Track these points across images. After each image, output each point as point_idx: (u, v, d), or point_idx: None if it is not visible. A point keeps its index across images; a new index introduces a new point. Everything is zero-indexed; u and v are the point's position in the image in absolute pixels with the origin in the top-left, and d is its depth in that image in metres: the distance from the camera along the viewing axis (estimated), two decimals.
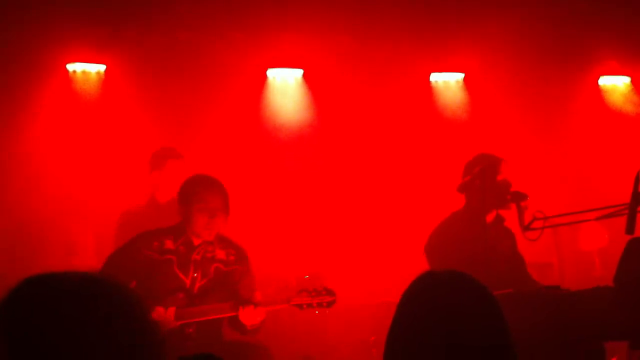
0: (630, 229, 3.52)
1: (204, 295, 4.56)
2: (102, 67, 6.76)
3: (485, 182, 4.72)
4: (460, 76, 7.58)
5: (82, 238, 6.47)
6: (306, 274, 5.58)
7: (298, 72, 7.24)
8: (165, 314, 4.43)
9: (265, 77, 7.18)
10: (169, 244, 4.62)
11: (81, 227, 6.51)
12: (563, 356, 3.45)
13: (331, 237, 6.79)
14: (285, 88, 7.21)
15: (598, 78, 7.84)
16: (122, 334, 1.56)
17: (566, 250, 6.64)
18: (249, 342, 4.70)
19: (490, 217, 4.89)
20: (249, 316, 4.46)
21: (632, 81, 7.90)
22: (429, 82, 7.55)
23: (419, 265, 4.76)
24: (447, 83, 7.59)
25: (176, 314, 4.45)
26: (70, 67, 6.71)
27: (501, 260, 4.87)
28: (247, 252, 4.80)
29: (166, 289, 4.49)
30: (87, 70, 6.75)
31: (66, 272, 1.62)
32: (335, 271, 6.34)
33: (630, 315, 3.45)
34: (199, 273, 4.60)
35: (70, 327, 1.52)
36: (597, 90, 7.87)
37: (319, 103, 7.21)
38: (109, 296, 1.61)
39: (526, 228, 4.24)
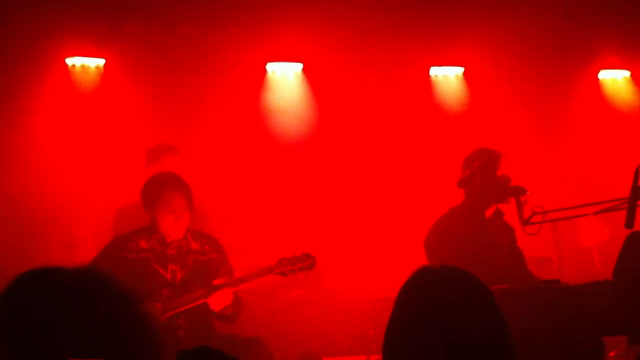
0: (629, 223, 3.52)
1: (187, 286, 4.62)
2: (101, 62, 6.75)
3: (484, 177, 4.72)
4: (460, 70, 7.57)
5: (81, 232, 6.48)
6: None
7: (297, 66, 7.23)
8: (152, 309, 4.46)
9: (264, 71, 7.17)
10: (142, 244, 4.69)
11: (81, 221, 6.51)
12: (562, 351, 3.45)
13: (330, 232, 6.78)
14: (285, 82, 7.20)
15: (598, 72, 7.83)
16: (121, 328, 1.56)
17: (565, 244, 6.64)
18: (248, 337, 4.72)
19: (489, 212, 4.89)
20: (218, 300, 4.50)
21: (631, 75, 7.89)
22: (428, 76, 7.54)
23: (418, 260, 4.76)
24: (447, 77, 7.58)
25: (162, 307, 4.50)
26: (70, 61, 6.70)
27: (500, 255, 4.87)
28: (219, 241, 4.86)
29: (149, 285, 4.53)
30: (86, 65, 6.74)
31: (65, 267, 1.62)
32: (334, 266, 6.34)
33: (629, 310, 3.45)
34: (178, 266, 4.66)
35: (69, 322, 1.53)
36: (597, 84, 7.86)
37: (319, 97, 7.20)
38: (107, 291, 1.62)
39: (525, 222, 4.24)
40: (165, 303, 4.54)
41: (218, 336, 4.68)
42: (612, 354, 4.91)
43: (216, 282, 4.55)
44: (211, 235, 4.90)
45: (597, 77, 7.85)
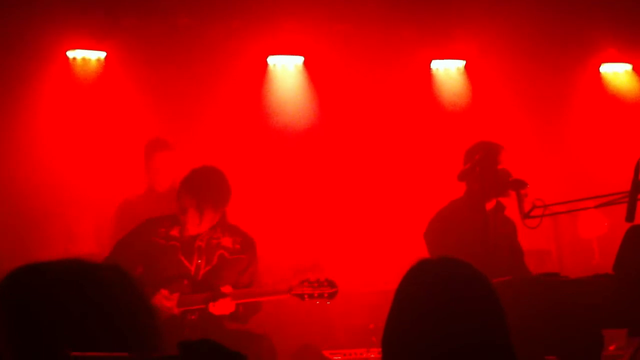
0: (630, 216, 3.52)
1: (208, 282, 4.58)
2: (102, 54, 6.75)
3: (485, 169, 4.72)
4: (461, 63, 7.56)
5: (81, 226, 6.48)
6: (305, 262, 5.56)
7: (299, 60, 7.22)
8: (170, 297, 4.45)
9: (265, 64, 7.17)
10: (174, 231, 4.65)
11: (81, 215, 6.51)
12: (561, 344, 3.46)
13: (331, 225, 6.79)
14: (286, 75, 7.20)
15: (599, 65, 7.82)
16: (119, 318, 1.56)
17: (566, 238, 6.64)
18: (249, 331, 4.72)
19: (490, 205, 4.89)
20: (219, 307, 4.49)
21: (633, 68, 7.88)
22: (429, 69, 7.53)
23: (419, 252, 4.77)
24: (448, 70, 7.57)
25: (179, 300, 4.48)
26: (70, 54, 6.70)
27: (500, 248, 4.87)
28: (255, 241, 4.81)
29: (171, 274, 4.52)
30: (87, 57, 6.74)
31: (61, 259, 1.62)
32: (334, 259, 6.34)
33: (630, 303, 3.45)
34: (203, 260, 4.62)
35: (66, 312, 1.53)
36: (598, 78, 7.85)
37: (320, 90, 7.19)
38: (106, 281, 1.62)
39: (526, 216, 4.24)
40: (183, 296, 4.52)
41: (225, 331, 4.67)
42: (612, 347, 4.92)
43: (223, 289, 4.52)
44: (247, 234, 4.81)
45: (598, 70, 7.84)
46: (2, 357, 1.51)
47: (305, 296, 4.52)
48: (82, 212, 6.51)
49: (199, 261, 4.62)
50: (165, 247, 4.60)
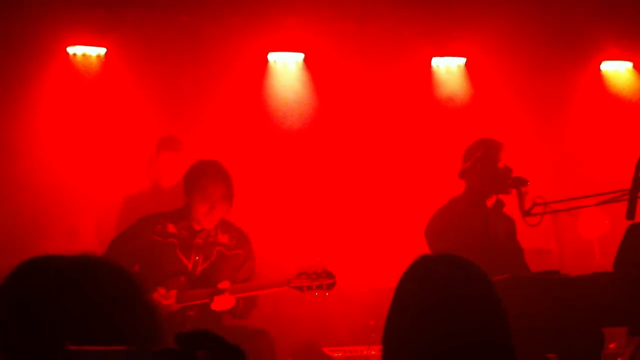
0: (630, 214, 3.52)
1: (206, 279, 4.58)
2: (102, 50, 6.74)
3: (485, 167, 4.71)
4: (461, 61, 7.56)
5: (83, 222, 6.48)
6: (306, 260, 5.56)
7: (299, 56, 7.21)
8: (167, 296, 4.45)
9: (266, 61, 7.16)
10: (171, 228, 4.64)
11: (82, 211, 6.51)
12: (562, 342, 3.46)
13: (332, 223, 6.79)
14: (287, 72, 7.19)
15: (600, 63, 7.81)
16: (120, 315, 1.56)
17: (566, 236, 6.64)
18: (249, 327, 4.72)
19: (490, 202, 4.88)
20: (219, 303, 4.50)
21: (634, 66, 7.88)
22: (430, 66, 7.53)
23: (419, 249, 4.76)
24: (449, 68, 7.57)
25: (177, 296, 4.48)
26: (71, 50, 6.69)
27: (499, 246, 4.86)
28: (249, 237, 4.81)
29: (169, 271, 4.52)
30: (87, 54, 6.73)
31: (64, 255, 1.62)
32: (335, 257, 6.34)
33: (630, 301, 3.45)
34: (201, 256, 4.62)
35: (68, 308, 1.52)
36: (599, 76, 7.84)
37: (320, 87, 7.19)
38: (107, 277, 1.61)
39: (526, 213, 4.24)
40: (181, 293, 4.52)
41: (224, 327, 4.68)
42: (612, 345, 4.93)
43: (221, 285, 4.51)
44: (242, 230, 4.82)
45: (599, 68, 7.84)
46: (2, 357, 1.51)
47: (304, 288, 4.53)
48: (83, 210, 6.51)
49: (197, 258, 4.62)
50: (163, 244, 4.59)
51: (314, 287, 4.53)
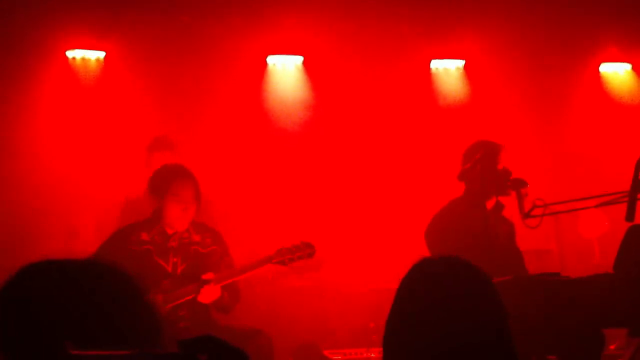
0: (630, 216, 3.52)
1: (188, 277, 4.62)
2: (101, 54, 6.75)
3: (485, 168, 4.72)
4: (460, 63, 7.57)
5: (83, 223, 6.49)
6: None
7: (298, 59, 7.22)
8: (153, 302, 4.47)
9: (265, 63, 7.17)
10: (144, 236, 4.69)
11: (82, 213, 6.51)
12: (562, 343, 3.46)
13: (331, 223, 6.79)
14: (286, 75, 7.20)
15: (599, 65, 7.82)
16: (120, 316, 1.56)
17: (566, 237, 6.64)
18: (248, 327, 4.73)
19: (490, 204, 4.89)
20: (206, 295, 4.53)
21: (633, 68, 7.89)
22: (429, 68, 7.54)
23: (419, 251, 4.76)
24: (448, 70, 7.58)
25: (163, 299, 4.51)
26: (70, 53, 6.70)
27: (499, 248, 4.86)
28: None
29: (150, 278, 4.54)
30: (86, 57, 6.75)
31: (66, 258, 1.62)
32: (335, 257, 6.35)
33: (630, 303, 3.45)
34: (179, 258, 4.67)
35: (69, 309, 1.53)
36: (598, 78, 7.85)
37: (319, 90, 7.19)
38: (107, 278, 1.62)
39: (526, 215, 4.24)
40: (166, 294, 4.56)
41: (220, 327, 4.70)
42: (612, 346, 4.93)
43: (205, 276, 4.55)
44: (213, 228, 4.89)
45: (598, 70, 7.85)
46: (3, 357, 1.51)
47: (286, 261, 4.57)
48: (83, 210, 6.52)
49: (175, 259, 4.67)
50: (140, 253, 4.64)
51: (295, 259, 4.58)
